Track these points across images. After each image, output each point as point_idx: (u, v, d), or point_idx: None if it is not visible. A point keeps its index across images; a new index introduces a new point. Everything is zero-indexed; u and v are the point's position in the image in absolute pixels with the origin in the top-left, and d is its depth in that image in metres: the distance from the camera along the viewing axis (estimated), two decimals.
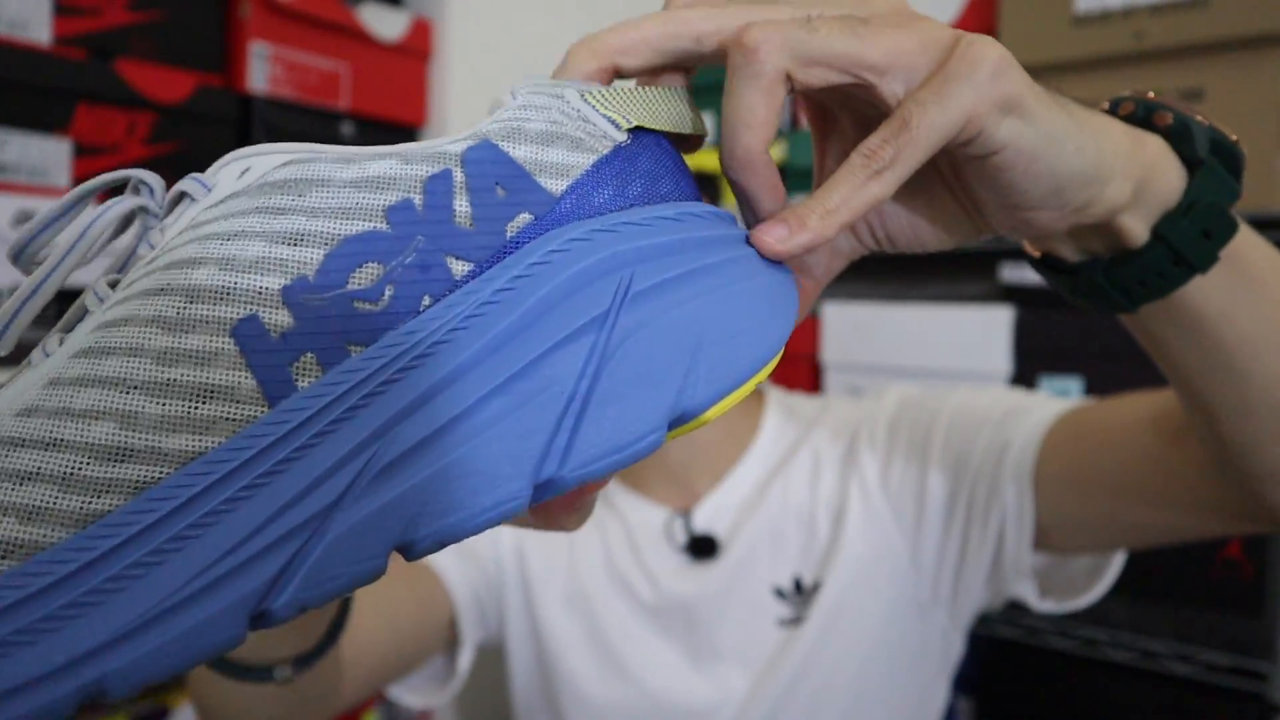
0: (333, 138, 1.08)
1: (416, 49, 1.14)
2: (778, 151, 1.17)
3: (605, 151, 0.24)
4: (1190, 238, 0.31)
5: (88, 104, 0.88)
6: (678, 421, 0.22)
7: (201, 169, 0.25)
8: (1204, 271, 0.31)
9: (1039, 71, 0.98)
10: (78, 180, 0.88)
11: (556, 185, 0.23)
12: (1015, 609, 0.88)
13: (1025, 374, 0.99)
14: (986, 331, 1.00)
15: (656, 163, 0.25)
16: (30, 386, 0.21)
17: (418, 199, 0.22)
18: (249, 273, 0.21)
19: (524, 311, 0.21)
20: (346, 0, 1.06)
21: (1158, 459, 0.48)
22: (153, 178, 0.24)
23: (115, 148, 0.91)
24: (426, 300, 0.21)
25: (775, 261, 0.25)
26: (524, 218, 0.22)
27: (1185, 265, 0.31)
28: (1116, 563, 0.55)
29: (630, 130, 0.25)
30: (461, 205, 0.22)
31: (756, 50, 0.24)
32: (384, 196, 0.22)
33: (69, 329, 0.23)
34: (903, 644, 0.62)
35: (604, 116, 0.24)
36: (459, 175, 0.22)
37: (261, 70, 1.00)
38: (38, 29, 0.86)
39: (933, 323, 1.04)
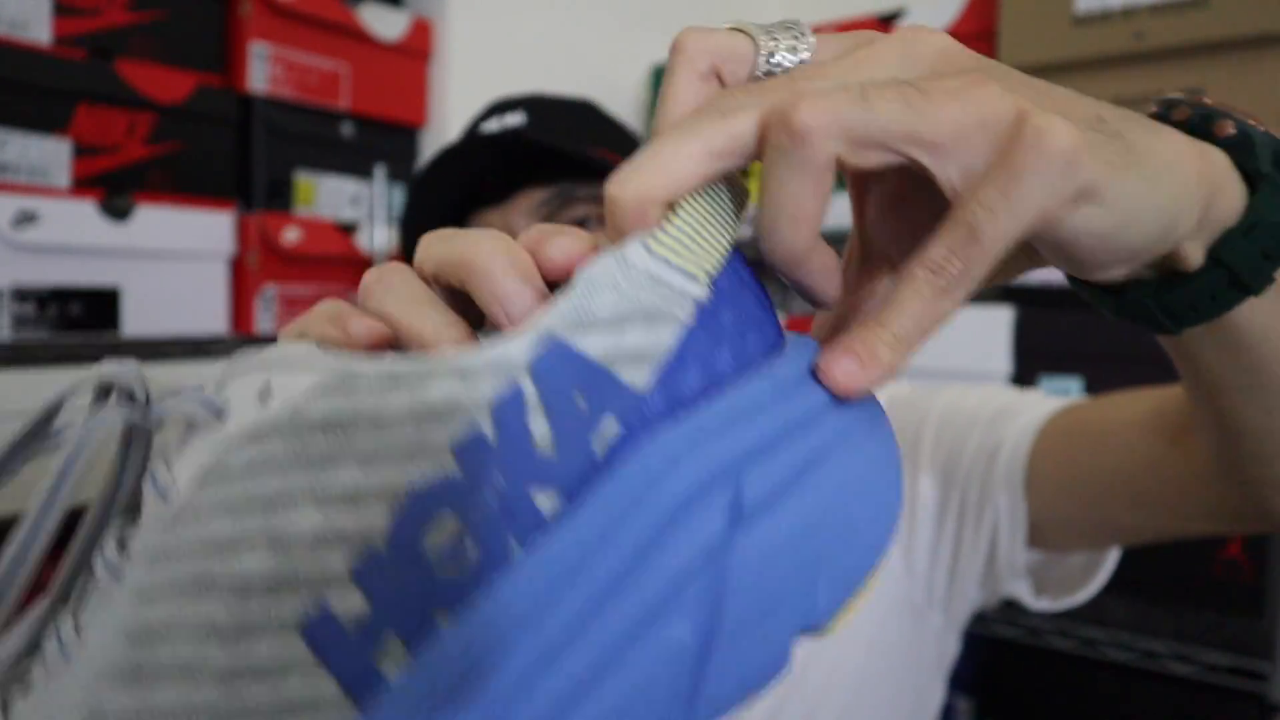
0: (333, 137, 1.08)
1: (416, 49, 1.14)
2: None
3: (687, 318, 0.20)
4: (1250, 260, 0.28)
5: (87, 104, 0.88)
6: (801, 636, 0.20)
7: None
8: (1259, 294, 0.29)
9: (1039, 71, 0.99)
10: (77, 180, 0.88)
11: (640, 376, 0.19)
12: (1014, 609, 0.88)
13: (1025, 374, 0.99)
14: (986, 331, 1.00)
15: (739, 310, 0.21)
16: (62, 712, 0.18)
17: (488, 429, 0.18)
18: (309, 553, 0.17)
19: (631, 554, 0.18)
20: (346, 0, 1.06)
21: (1152, 460, 0.47)
22: (134, 378, 0.20)
23: (115, 148, 0.91)
24: (515, 547, 0.18)
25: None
26: (611, 428, 0.19)
27: (1241, 288, 0.28)
28: (1111, 560, 0.55)
29: (711, 279, 0.21)
30: (539, 427, 0.18)
31: (807, 135, 0.21)
32: (447, 429, 0.18)
33: (77, 610, 0.19)
34: (898, 646, 0.62)
35: (679, 271, 0.20)
36: (530, 390, 0.18)
37: (261, 70, 1.00)
38: (37, 29, 0.86)
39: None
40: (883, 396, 0.76)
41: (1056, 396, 0.59)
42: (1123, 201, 0.23)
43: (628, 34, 1.37)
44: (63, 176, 0.87)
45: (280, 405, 0.18)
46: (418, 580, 0.17)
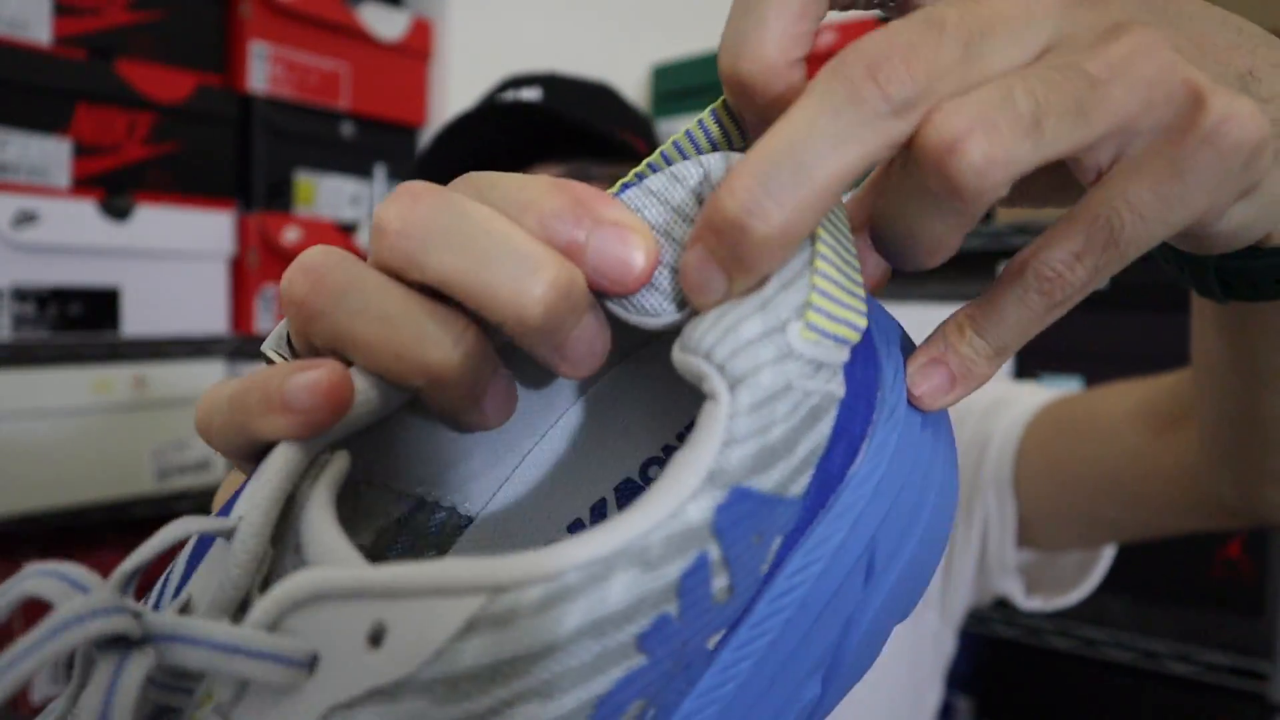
0: (333, 137, 1.08)
1: (416, 49, 1.14)
2: None
3: (841, 395, 0.18)
4: None
5: (87, 104, 0.88)
6: None
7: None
8: None
9: None
10: (77, 180, 0.88)
11: (801, 486, 0.17)
12: (1013, 608, 0.88)
13: (1025, 374, 0.99)
14: None
15: (865, 361, 0.19)
16: None
17: (673, 610, 0.16)
18: None
19: (791, 650, 0.18)
20: (346, 0, 1.06)
21: (1138, 451, 0.47)
22: (111, 603, 0.15)
23: (115, 148, 0.91)
24: (686, 691, 0.17)
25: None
26: (774, 547, 0.17)
27: None
28: (1105, 559, 0.55)
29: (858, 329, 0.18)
30: (720, 583, 0.16)
31: (977, 197, 0.17)
32: (632, 628, 0.15)
33: None
34: (894, 646, 0.61)
35: (835, 341, 0.17)
36: (715, 553, 0.16)
37: (261, 70, 1.00)
38: (38, 29, 0.86)
39: (933, 323, 1.03)
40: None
41: (1054, 389, 0.59)
42: (1271, 193, 0.20)
43: (628, 34, 1.37)
44: (63, 176, 0.87)
45: (408, 651, 0.14)
46: None
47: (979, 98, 0.17)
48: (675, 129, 0.73)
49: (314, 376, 0.17)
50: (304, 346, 0.20)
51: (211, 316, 0.98)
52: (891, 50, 0.16)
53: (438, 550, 0.24)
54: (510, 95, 0.64)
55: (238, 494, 0.18)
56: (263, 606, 0.15)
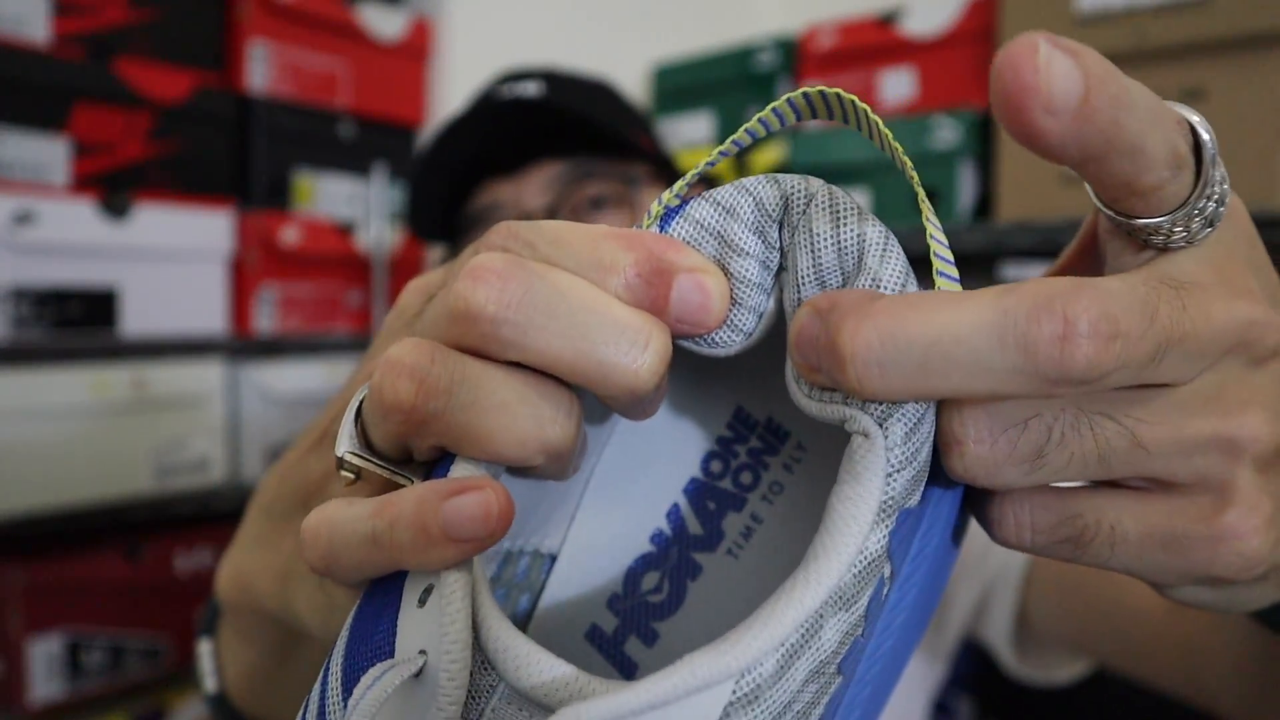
0: (332, 136, 1.07)
1: (415, 48, 1.14)
2: (777, 152, 1.17)
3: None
4: None
5: (86, 103, 0.88)
6: None
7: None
8: None
9: None
10: (76, 179, 0.88)
11: (919, 494, 0.18)
12: None
13: None
14: None
15: None
16: None
17: (860, 632, 0.17)
18: None
19: (911, 619, 0.20)
20: None
21: (1154, 616, 0.45)
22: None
23: (113, 147, 0.91)
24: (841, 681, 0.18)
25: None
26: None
27: None
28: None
29: None
30: (888, 588, 0.18)
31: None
32: (837, 660, 0.17)
33: None
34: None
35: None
36: (888, 570, 0.18)
37: (260, 69, 1.00)
38: (36, 27, 0.86)
39: None
40: None
41: None
42: (1246, 596, 0.20)
43: (628, 34, 1.37)
44: (61, 176, 0.87)
45: None
46: None
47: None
48: (675, 129, 0.73)
49: (476, 505, 0.17)
50: (396, 447, 0.19)
51: (210, 316, 0.98)
52: (1095, 316, 0.15)
53: (530, 593, 0.24)
54: (510, 89, 0.61)
55: (380, 620, 0.18)
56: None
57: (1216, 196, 0.18)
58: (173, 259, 0.95)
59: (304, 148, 1.06)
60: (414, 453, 0.19)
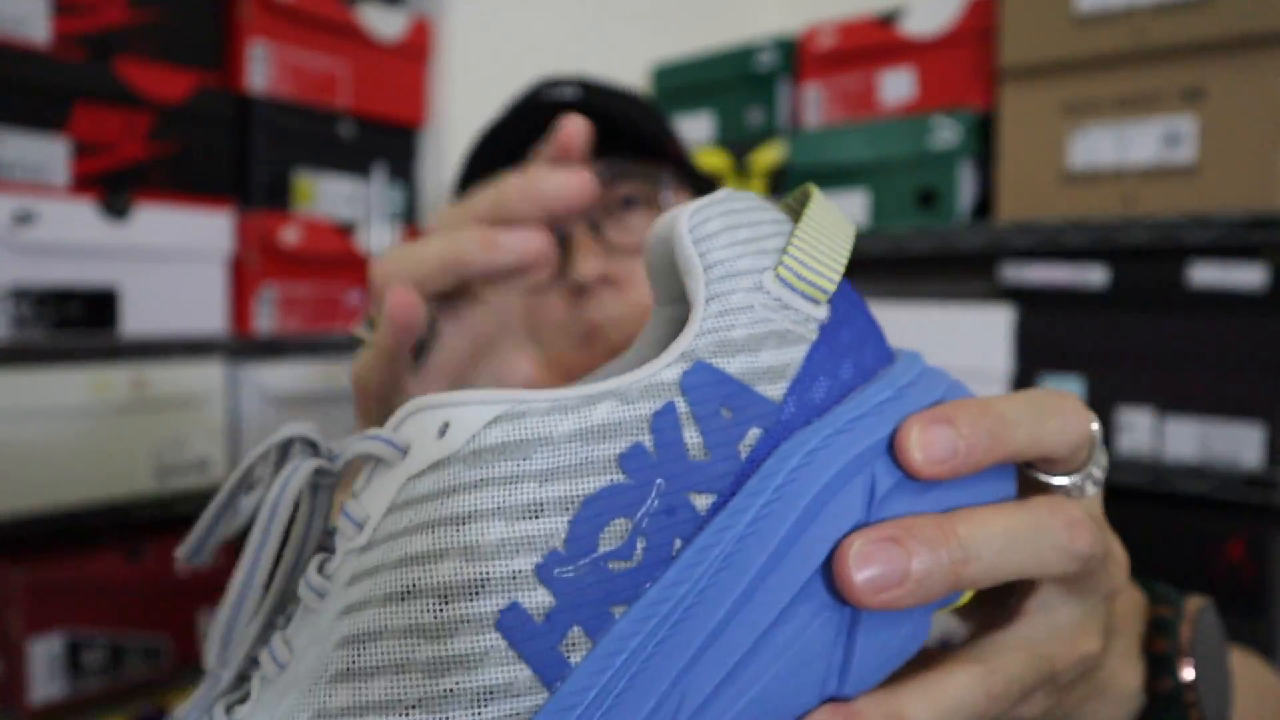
0: (332, 137, 1.08)
1: (415, 48, 1.14)
2: (777, 152, 1.17)
3: (813, 338, 0.23)
4: None
5: (86, 103, 0.88)
6: (941, 606, 0.23)
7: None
8: None
9: (1039, 71, 0.98)
10: (76, 179, 0.88)
11: (776, 391, 0.22)
12: None
13: (1025, 374, 0.99)
14: (986, 331, 1.00)
15: (854, 329, 0.24)
16: (289, 716, 0.20)
17: (647, 441, 0.21)
18: (497, 558, 0.20)
19: (782, 539, 0.21)
20: (345, 0, 1.06)
21: None
22: (311, 432, 0.23)
23: (113, 147, 0.91)
24: (678, 544, 0.20)
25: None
26: (754, 434, 0.21)
27: None
28: None
29: (828, 300, 0.23)
30: (692, 436, 0.21)
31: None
32: (612, 445, 0.21)
33: (286, 626, 0.23)
34: None
35: (803, 296, 0.23)
36: (682, 405, 0.21)
37: (260, 69, 1.00)
38: (36, 28, 0.86)
39: (933, 322, 1.03)
40: None
41: None
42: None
43: (628, 34, 1.37)
44: (61, 176, 0.87)
45: (457, 437, 0.21)
46: (595, 576, 0.20)
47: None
48: (675, 129, 0.73)
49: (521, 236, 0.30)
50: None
51: (210, 316, 0.98)
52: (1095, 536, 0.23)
53: None
54: (548, 94, 0.66)
55: None
56: (392, 419, 0.22)
57: (1102, 464, 0.24)
58: (173, 259, 0.95)
59: (304, 148, 1.06)
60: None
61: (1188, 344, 0.89)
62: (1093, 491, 0.24)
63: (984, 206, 1.05)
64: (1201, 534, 0.89)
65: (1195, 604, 0.31)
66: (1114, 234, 0.91)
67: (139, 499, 0.90)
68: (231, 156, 1.00)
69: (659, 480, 0.20)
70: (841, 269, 0.24)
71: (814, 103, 1.17)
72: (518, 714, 0.19)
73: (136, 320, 0.92)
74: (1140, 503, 0.93)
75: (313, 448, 0.23)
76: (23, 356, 0.85)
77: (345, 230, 1.08)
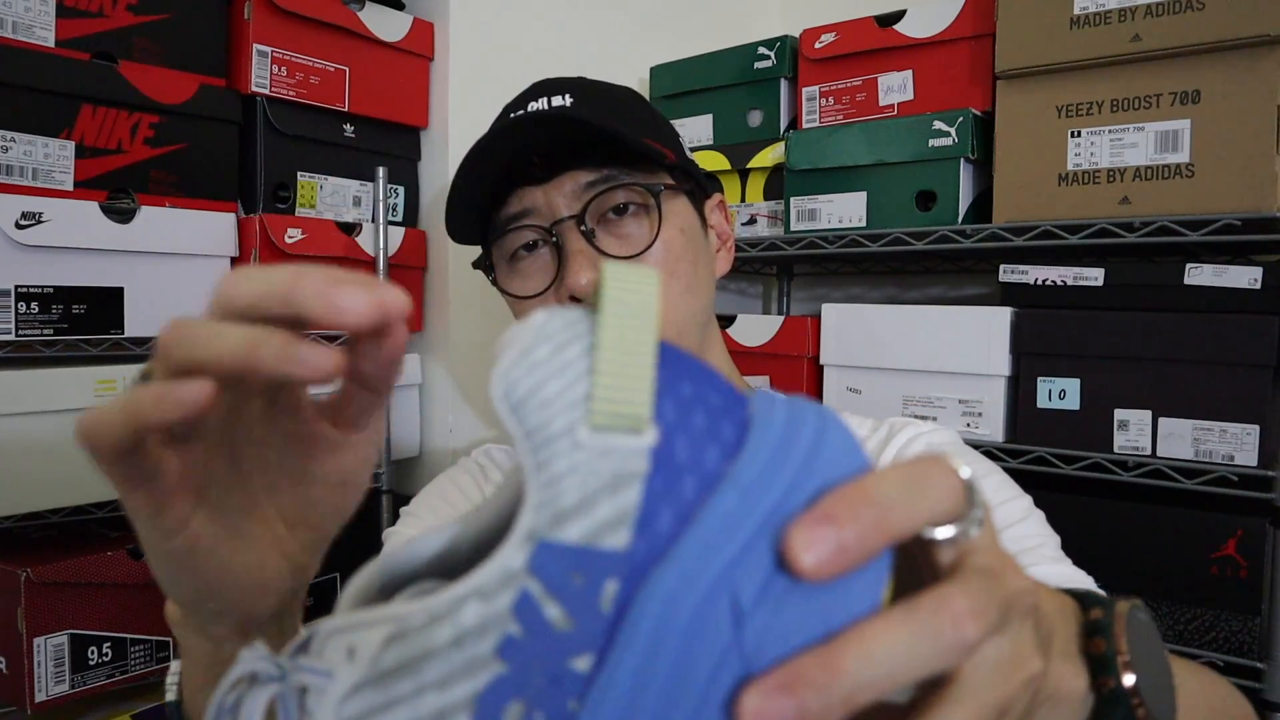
0: (335, 138, 1.08)
1: (418, 50, 1.15)
2: (777, 153, 1.18)
3: (644, 470, 0.23)
4: None
5: (91, 105, 0.89)
6: None
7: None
8: None
9: (1037, 73, 0.99)
10: (81, 181, 0.88)
11: (620, 539, 0.22)
12: None
13: (1024, 374, 0.99)
14: (986, 331, 1.00)
15: (690, 428, 0.24)
16: None
17: (515, 630, 0.22)
18: None
19: (664, 682, 0.22)
20: (348, 2, 1.07)
21: None
22: (262, 659, 0.25)
23: (118, 149, 0.91)
24: (573, 704, 0.22)
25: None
26: (611, 587, 0.22)
27: None
28: None
29: (651, 419, 0.23)
30: (553, 612, 0.22)
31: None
32: (487, 642, 0.22)
33: None
34: None
35: (624, 432, 0.23)
36: (536, 588, 0.22)
37: (264, 71, 1.01)
38: (42, 31, 0.87)
39: (932, 323, 1.04)
40: (919, 444, 0.73)
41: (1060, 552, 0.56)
42: None
43: (628, 34, 1.37)
44: (66, 177, 0.88)
45: (362, 660, 0.23)
46: None
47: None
48: (671, 127, 0.74)
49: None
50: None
51: None
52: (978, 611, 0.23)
53: None
54: (542, 101, 0.66)
55: None
56: (315, 642, 0.23)
57: (983, 505, 0.26)
58: (177, 260, 0.95)
59: (307, 149, 1.06)
60: None
61: (1183, 344, 0.89)
62: (977, 532, 0.25)
63: (982, 207, 1.05)
64: (1196, 533, 0.89)
65: (1125, 605, 0.32)
66: (1110, 235, 0.92)
67: None
68: (235, 158, 1.01)
69: (535, 660, 0.22)
70: (651, 375, 0.23)
71: (813, 104, 1.18)
72: None
73: (141, 321, 0.93)
74: (1136, 502, 0.93)
75: (270, 668, 0.25)
76: (29, 357, 0.85)
77: (348, 231, 1.08)
